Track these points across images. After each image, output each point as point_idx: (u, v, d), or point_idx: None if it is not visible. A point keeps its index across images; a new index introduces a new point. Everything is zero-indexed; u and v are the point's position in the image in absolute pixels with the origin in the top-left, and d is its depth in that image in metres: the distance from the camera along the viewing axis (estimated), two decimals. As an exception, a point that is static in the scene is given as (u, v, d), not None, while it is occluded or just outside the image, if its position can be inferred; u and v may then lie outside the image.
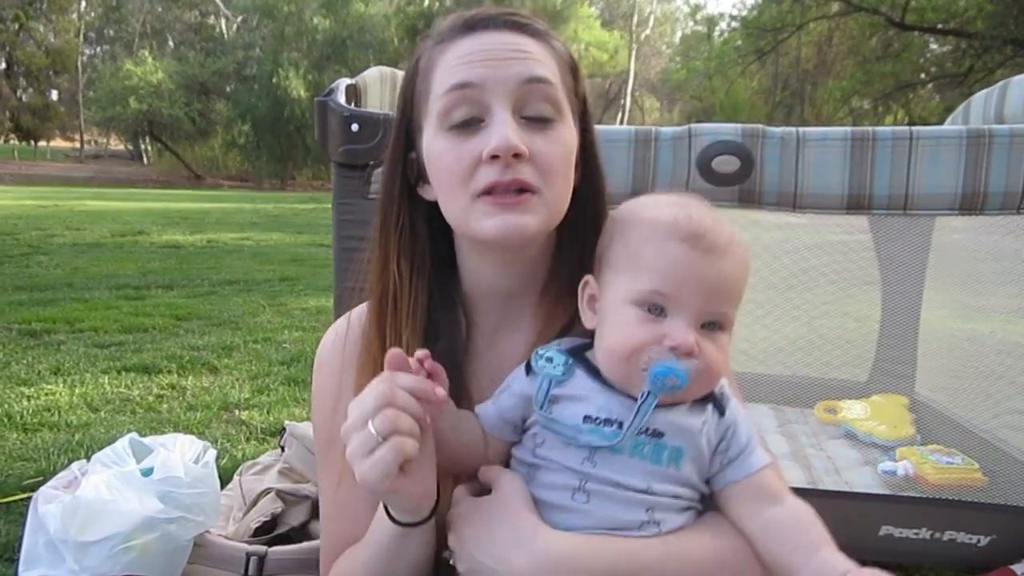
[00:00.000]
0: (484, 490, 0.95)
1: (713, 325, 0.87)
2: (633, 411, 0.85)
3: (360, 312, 1.10)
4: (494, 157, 0.90)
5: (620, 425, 0.87)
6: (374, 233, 1.06)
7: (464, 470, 0.98)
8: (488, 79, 0.92)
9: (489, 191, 0.92)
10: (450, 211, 0.98)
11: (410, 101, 1.02)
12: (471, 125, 0.93)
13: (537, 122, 0.94)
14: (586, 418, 0.88)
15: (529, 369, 0.95)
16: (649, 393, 0.85)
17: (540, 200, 0.93)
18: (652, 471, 0.88)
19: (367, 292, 1.07)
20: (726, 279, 0.87)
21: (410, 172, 1.04)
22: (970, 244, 2.39)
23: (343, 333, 1.10)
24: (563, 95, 0.97)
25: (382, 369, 1.00)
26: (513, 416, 0.95)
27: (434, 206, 1.01)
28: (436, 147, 0.96)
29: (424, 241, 1.04)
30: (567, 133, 0.97)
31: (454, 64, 0.94)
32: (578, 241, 1.03)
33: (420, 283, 1.03)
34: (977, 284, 2.52)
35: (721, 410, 0.92)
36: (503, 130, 0.90)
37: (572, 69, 1.02)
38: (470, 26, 0.97)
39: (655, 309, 0.87)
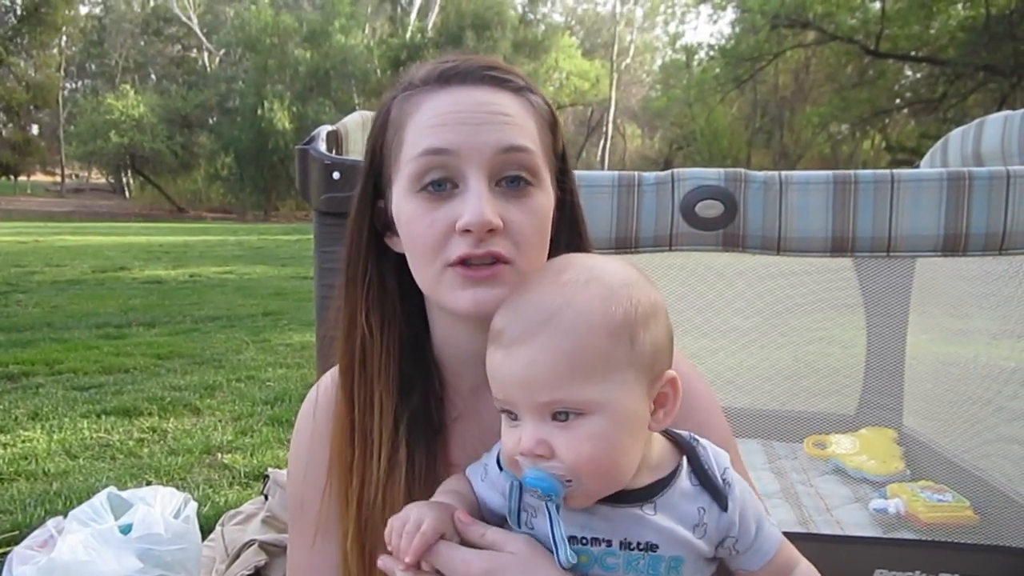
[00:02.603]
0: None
1: (563, 415, 0.77)
2: (550, 520, 0.77)
3: (328, 380, 1.07)
4: (467, 231, 0.86)
5: (609, 543, 0.79)
6: (340, 287, 1.02)
7: None
8: (463, 146, 0.88)
9: (461, 261, 0.88)
10: (420, 277, 0.94)
11: (379, 152, 0.97)
12: (443, 188, 0.89)
13: (513, 190, 0.90)
14: (571, 539, 0.79)
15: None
16: (547, 503, 0.77)
17: (513, 271, 0.89)
18: None
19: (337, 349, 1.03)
20: (535, 366, 0.76)
21: (377, 221, 0.99)
22: (952, 268, 2.40)
23: (314, 401, 1.08)
24: (541, 159, 0.93)
25: (353, 432, 0.98)
26: (499, 508, 0.87)
27: (403, 258, 0.97)
28: (407, 209, 0.91)
29: (394, 294, 1.00)
30: (544, 200, 0.93)
31: (428, 124, 0.90)
32: None
33: (391, 337, 0.99)
34: (959, 308, 2.52)
35: (723, 504, 0.82)
36: (478, 204, 0.86)
37: (551, 125, 0.97)
38: (445, 79, 0.91)
39: (510, 415, 0.81)
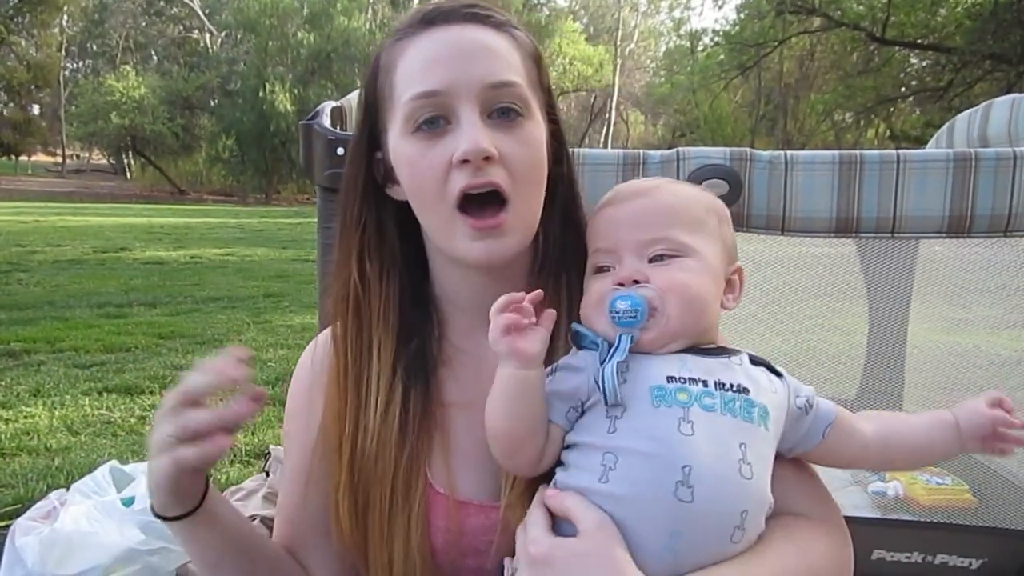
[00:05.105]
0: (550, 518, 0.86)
1: (663, 257, 0.89)
2: (614, 347, 0.85)
3: (327, 334, 1.08)
4: (464, 161, 0.88)
5: (705, 384, 0.84)
6: (336, 233, 1.04)
7: (519, 454, 0.89)
8: (452, 84, 0.90)
9: (466, 208, 0.90)
10: (429, 222, 0.97)
11: (373, 102, 0.99)
12: (437, 125, 0.91)
13: (505, 121, 0.92)
14: (670, 378, 0.84)
15: (579, 343, 0.90)
16: (622, 336, 0.84)
17: (515, 215, 0.92)
18: (745, 429, 0.83)
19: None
20: (648, 210, 0.91)
21: (377, 173, 1.01)
22: (955, 257, 2.39)
23: (313, 348, 1.09)
24: (529, 91, 0.95)
25: (347, 379, 0.99)
26: (573, 388, 0.87)
27: (402, 205, 0.99)
28: (404, 151, 0.94)
29: (393, 240, 1.02)
30: (535, 130, 0.95)
31: (416, 67, 0.92)
32: (557, 238, 1.03)
33: (391, 282, 1.01)
34: (961, 297, 2.52)
35: (776, 371, 0.92)
36: (472, 133, 0.88)
37: (535, 59, 0.99)
38: (429, 20, 0.94)
39: (604, 268, 0.91)
